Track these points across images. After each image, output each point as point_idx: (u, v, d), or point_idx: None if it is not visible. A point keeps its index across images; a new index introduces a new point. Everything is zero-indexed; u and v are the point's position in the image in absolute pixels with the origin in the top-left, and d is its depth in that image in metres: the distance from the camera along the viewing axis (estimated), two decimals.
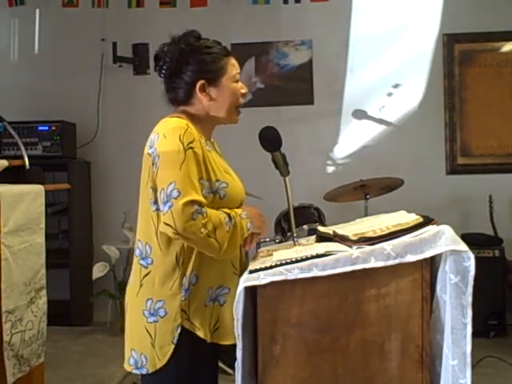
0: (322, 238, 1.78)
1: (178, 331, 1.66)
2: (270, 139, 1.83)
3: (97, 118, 4.97)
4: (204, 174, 1.68)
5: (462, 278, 1.44)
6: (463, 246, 1.44)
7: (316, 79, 4.88)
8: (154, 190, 1.66)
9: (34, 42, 5.09)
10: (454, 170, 4.80)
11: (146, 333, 1.68)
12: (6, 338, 2.31)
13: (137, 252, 1.76)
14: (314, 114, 4.89)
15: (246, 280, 1.51)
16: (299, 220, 2.93)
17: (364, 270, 1.47)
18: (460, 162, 4.80)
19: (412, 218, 1.61)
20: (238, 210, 1.73)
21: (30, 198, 2.50)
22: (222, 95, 1.78)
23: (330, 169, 4.94)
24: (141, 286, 1.72)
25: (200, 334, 1.67)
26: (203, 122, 1.81)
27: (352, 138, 4.89)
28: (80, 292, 4.74)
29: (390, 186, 3.88)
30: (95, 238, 4.99)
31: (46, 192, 2.63)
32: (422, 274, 1.49)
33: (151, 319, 1.68)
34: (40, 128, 4.63)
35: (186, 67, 1.76)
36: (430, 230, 1.51)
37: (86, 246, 4.91)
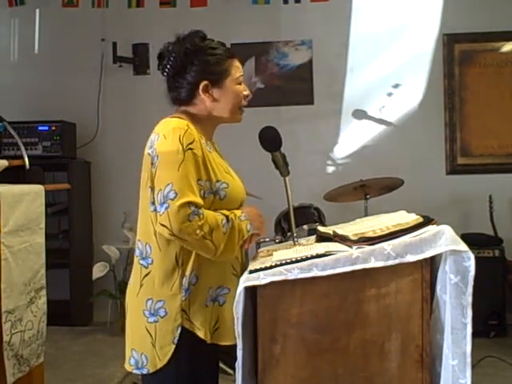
0: (322, 237, 1.78)
1: (179, 331, 1.66)
2: (270, 139, 1.83)
3: (97, 118, 4.97)
4: (204, 175, 1.67)
5: (461, 278, 1.44)
6: (463, 246, 1.44)
7: (316, 79, 4.88)
8: (153, 190, 1.66)
9: (34, 42, 5.09)
10: (453, 170, 4.80)
11: (146, 333, 1.68)
12: (5, 337, 2.31)
13: (137, 252, 1.76)
14: (314, 113, 4.89)
15: (246, 280, 1.51)
16: (299, 220, 2.93)
17: (364, 270, 1.47)
18: (460, 162, 4.80)
19: (412, 218, 1.61)
20: (238, 212, 1.73)
21: (30, 198, 2.50)
22: (224, 97, 1.79)
23: (330, 169, 4.94)
24: (141, 285, 1.72)
25: (200, 334, 1.67)
26: (204, 122, 1.81)
27: (352, 138, 4.89)
28: (80, 292, 4.74)
29: (390, 185, 3.88)
30: (95, 238, 4.99)
31: (46, 192, 2.63)
32: (422, 274, 1.49)
33: (151, 319, 1.68)
34: (40, 128, 4.63)
35: (190, 67, 1.76)
36: (430, 229, 1.51)
37: (86, 246, 4.91)
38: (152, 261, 1.71)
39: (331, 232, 1.72)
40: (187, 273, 1.67)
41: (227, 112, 1.80)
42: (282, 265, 1.51)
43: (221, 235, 1.64)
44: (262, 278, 1.50)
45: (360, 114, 4.87)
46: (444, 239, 1.45)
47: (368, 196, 3.78)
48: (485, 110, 4.75)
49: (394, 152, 4.76)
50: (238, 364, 1.53)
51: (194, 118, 1.78)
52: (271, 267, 1.52)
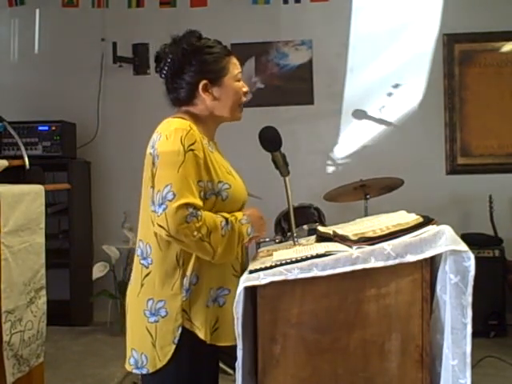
0: (322, 237, 1.78)
1: (179, 331, 1.66)
2: (270, 139, 1.83)
3: (97, 118, 4.97)
4: (205, 176, 1.67)
5: (461, 278, 1.44)
6: (463, 246, 1.44)
7: (316, 79, 4.88)
8: (154, 189, 1.66)
9: (34, 42, 5.09)
10: (454, 170, 4.80)
11: (146, 333, 1.68)
12: (5, 337, 2.31)
13: (138, 252, 1.76)
14: (313, 113, 4.89)
15: (246, 280, 1.51)
16: (299, 220, 2.93)
17: (364, 269, 1.47)
18: (460, 162, 4.80)
19: (412, 218, 1.61)
20: (239, 215, 1.73)
21: (30, 198, 2.50)
22: (224, 94, 1.78)
23: (330, 169, 4.94)
24: (142, 285, 1.72)
25: (200, 334, 1.66)
26: (206, 122, 1.81)
27: (352, 138, 4.89)
28: (80, 292, 4.74)
29: (390, 185, 3.88)
30: (95, 238, 4.99)
31: (46, 192, 2.63)
32: (422, 274, 1.49)
33: (152, 319, 1.68)
34: (40, 128, 4.63)
35: (188, 67, 1.75)
36: (430, 230, 1.51)
37: (86, 246, 4.91)
38: (152, 261, 1.70)
39: (331, 232, 1.72)
40: (188, 273, 1.67)
41: (228, 110, 1.80)
42: (282, 265, 1.51)
43: (219, 238, 1.63)
44: (262, 278, 1.50)
45: (360, 114, 4.87)
46: (444, 239, 1.45)
47: (368, 196, 3.78)
48: (485, 110, 4.75)
49: (394, 152, 4.76)
50: (238, 364, 1.53)
51: (196, 118, 1.78)
52: (271, 267, 1.52)
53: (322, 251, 1.53)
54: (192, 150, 1.64)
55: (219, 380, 1.80)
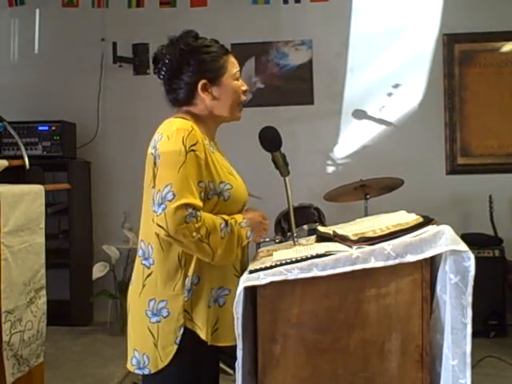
0: (322, 237, 1.78)
1: (181, 331, 1.66)
2: (270, 139, 1.83)
3: (97, 118, 4.97)
4: (206, 177, 1.67)
5: (461, 278, 1.44)
6: (463, 246, 1.44)
7: (316, 79, 4.88)
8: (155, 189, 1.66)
9: (34, 42, 5.09)
10: (454, 169, 4.80)
11: (148, 333, 1.68)
12: (5, 337, 2.31)
13: (140, 252, 1.76)
14: (313, 113, 4.89)
15: (246, 280, 1.51)
16: (299, 220, 2.93)
17: (364, 269, 1.47)
18: (460, 162, 4.80)
19: (412, 218, 1.61)
20: (238, 218, 1.72)
21: (30, 198, 2.50)
22: (224, 94, 1.78)
23: (330, 169, 4.94)
24: (143, 286, 1.72)
25: (202, 334, 1.66)
26: (207, 122, 1.80)
27: (352, 138, 4.89)
28: (80, 292, 4.74)
29: (390, 185, 3.88)
30: (95, 238, 4.99)
31: (46, 192, 2.63)
32: (422, 274, 1.49)
33: (154, 319, 1.68)
34: (40, 128, 4.63)
35: (186, 68, 1.75)
36: (430, 229, 1.51)
37: (86, 246, 4.91)
38: (154, 261, 1.70)
39: (331, 232, 1.72)
40: (190, 273, 1.67)
41: (227, 109, 1.80)
42: (282, 265, 1.51)
43: (218, 239, 1.63)
44: (262, 278, 1.50)
45: (360, 114, 4.87)
46: (444, 239, 1.45)
47: (368, 196, 3.78)
48: (485, 110, 4.75)
49: (393, 152, 4.76)
50: (238, 364, 1.53)
51: (196, 118, 1.77)
52: (271, 267, 1.52)
53: (322, 251, 1.53)
54: (193, 150, 1.63)
55: (219, 380, 1.80)
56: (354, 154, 4.88)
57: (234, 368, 1.56)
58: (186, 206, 1.57)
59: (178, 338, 1.66)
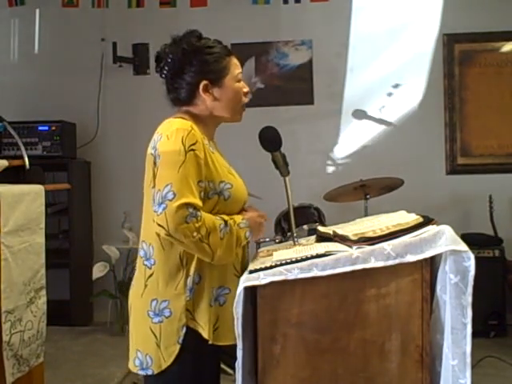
0: (322, 237, 1.78)
1: (183, 331, 1.66)
2: (270, 139, 1.83)
3: (97, 118, 4.97)
4: (206, 176, 1.67)
5: (461, 278, 1.44)
6: (463, 246, 1.44)
7: (316, 79, 4.88)
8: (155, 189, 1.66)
9: (34, 42, 5.09)
10: (454, 169, 4.80)
11: (150, 333, 1.68)
12: (5, 337, 2.31)
13: (141, 253, 1.76)
14: (313, 113, 4.89)
15: (246, 280, 1.51)
16: (299, 220, 2.92)
17: (364, 269, 1.47)
18: (460, 162, 4.80)
19: (412, 218, 1.61)
20: (238, 218, 1.72)
21: (30, 198, 2.49)
22: (225, 95, 1.78)
23: (330, 169, 4.94)
24: (145, 286, 1.72)
25: (204, 333, 1.66)
26: (206, 122, 1.81)
27: (352, 138, 4.89)
28: (80, 292, 4.74)
29: (390, 186, 3.88)
30: (95, 238, 4.99)
31: (46, 192, 2.63)
32: (421, 274, 1.49)
33: (156, 319, 1.68)
34: (40, 128, 4.63)
35: (188, 68, 1.75)
36: (430, 230, 1.51)
37: (86, 246, 4.91)
38: (155, 261, 1.70)
39: (331, 232, 1.72)
40: (191, 272, 1.67)
41: (228, 111, 1.80)
42: (282, 265, 1.51)
43: (217, 239, 1.63)
44: (262, 278, 1.50)
45: (360, 114, 4.87)
46: (444, 239, 1.45)
47: (368, 196, 3.78)
48: (485, 110, 4.75)
49: (393, 152, 4.76)
50: (238, 364, 1.53)
51: (196, 118, 1.77)
52: (271, 267, 1.52)
53: (322, 251, 1.53)
54: (193, 150, 1.64)
55: (220, 380, 1.80)
56: (354, 154, 4.88)
57: (234, 368, 1.56)
58: (187, 205, 1.57)
59: (181, 338, 1.66)
